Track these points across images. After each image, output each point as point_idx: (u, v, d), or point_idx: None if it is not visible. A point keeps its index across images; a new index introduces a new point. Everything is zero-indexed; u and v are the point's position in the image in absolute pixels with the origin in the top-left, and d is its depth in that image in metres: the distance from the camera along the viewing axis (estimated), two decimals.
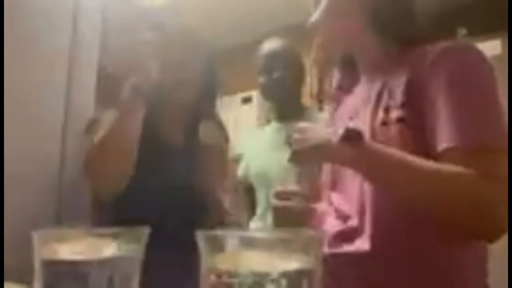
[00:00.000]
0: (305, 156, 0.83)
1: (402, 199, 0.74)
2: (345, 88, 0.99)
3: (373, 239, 0.76)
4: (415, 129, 0.75)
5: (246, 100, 3.54)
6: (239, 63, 3.48)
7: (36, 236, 0.44)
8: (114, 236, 0.45)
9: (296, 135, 0.83)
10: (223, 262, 0.37)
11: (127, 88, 1.08)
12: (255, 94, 3.43)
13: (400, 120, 0.76)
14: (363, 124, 0.82)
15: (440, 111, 0.72)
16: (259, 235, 0.41)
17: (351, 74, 0.97)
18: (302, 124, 0.85)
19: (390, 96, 0.80)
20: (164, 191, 1.14)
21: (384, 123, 0.78)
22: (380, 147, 0.74)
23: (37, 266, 0.43)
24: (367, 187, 0.79)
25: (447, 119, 0.71)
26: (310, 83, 1.75)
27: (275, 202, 0.93)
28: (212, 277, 0.37)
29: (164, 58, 1.24)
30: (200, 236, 0.38)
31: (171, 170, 1.18)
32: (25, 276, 0.53)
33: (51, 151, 1.23)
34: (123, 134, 1.07)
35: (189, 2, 3.09)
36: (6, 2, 1.12)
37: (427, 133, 0.74)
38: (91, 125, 1.24)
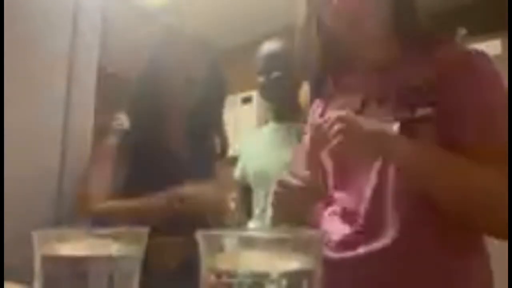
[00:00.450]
0: (355, 147, 0.75)
1: (441, 197, 0.73)
2: (331, 90, 0.97)
3: (394, 237, 0.75)
4: (442, 127, 0.75)
5: (246, 100, 3.54)
6: (239, 63, 3.47)
7: (36, 236, 0.43)
8: (114, 236, 0.45)
9: (339, 125, 0.74)
10: (223, 262, 0.37)
11: (170, 196, 1.11)
12: (255, 94, 3.43)
13: (427, 118, 0.76)
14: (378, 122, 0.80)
15: (468, 112, 0.75)
16: (259, 235, 0.41)
17: (337, 75, 0.95)
18: (341, 113, 0.77)
19: (415, 93, 0.78)
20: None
21: (410, 121, 0.77)
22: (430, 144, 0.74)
23: (37, 264, 0.43)
24: (390, 184, 0.78)
25: (475, 120, 0.75)
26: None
27: (282, 177, 0.84)
28: (212, 277, 0.37)
29: (171, 59, 1.23)
30: (200, 236, 0.38)
31: (176, 176, 1.18)
32: (25, 276, 0.53)
33: (51, 151, 1.23)
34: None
35: (189, 3, 3.09)
36: (6, 2, 1.12)
37: (453, 131, 0.75)
38: (102, 131, 1.24)
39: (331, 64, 0.95)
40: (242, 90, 3.47)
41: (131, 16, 2.78)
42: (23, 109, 1.16)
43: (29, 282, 0.46)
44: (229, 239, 0.38)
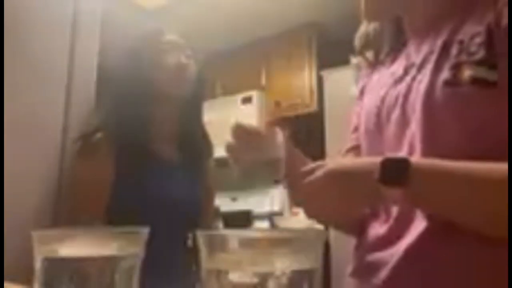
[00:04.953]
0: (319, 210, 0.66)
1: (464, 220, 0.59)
2: (381, 58, 0.84)
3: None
4: (497, 91, 0.58)
5: (246, 100, 3.54)
6: (239, 63, 3.47)
7: (36, 236, 0.44)
8: (115, 236, 0.45)
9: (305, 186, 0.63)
10: (223, 262, 0.37)
11: None
12: (255, 94, 3.43)
13: (476, 80, 0.59)
14: (412, 86, 0.67)
15: None
16: (259, 235, 0.41)
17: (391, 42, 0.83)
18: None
19: (463, 49, 0.62)
20: (158, 203, 1.13)
21: (450, 83, 0.61)
22: (435, 164, 0.58)
23: (37, 265, 0.43)
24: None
25: None
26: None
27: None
28: (212, 277, 0.37)
29: (162, 60, 1.22)
30: (200, 236, 0.38)
31: (165, 182, 1.18)
32: (25, 276, 0.53)
33: (51, 151, 1.23)
34: None
35: (189, 3, 3.10)
36: (6, 3, 1.13)
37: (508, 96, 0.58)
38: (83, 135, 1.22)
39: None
40: (242, 90, 3.48)
41: (131, 16, 2.78)
42: (23, 110, 1.16)
43: (29, 282, 0.46)
44: (230, 239, 0.38)
